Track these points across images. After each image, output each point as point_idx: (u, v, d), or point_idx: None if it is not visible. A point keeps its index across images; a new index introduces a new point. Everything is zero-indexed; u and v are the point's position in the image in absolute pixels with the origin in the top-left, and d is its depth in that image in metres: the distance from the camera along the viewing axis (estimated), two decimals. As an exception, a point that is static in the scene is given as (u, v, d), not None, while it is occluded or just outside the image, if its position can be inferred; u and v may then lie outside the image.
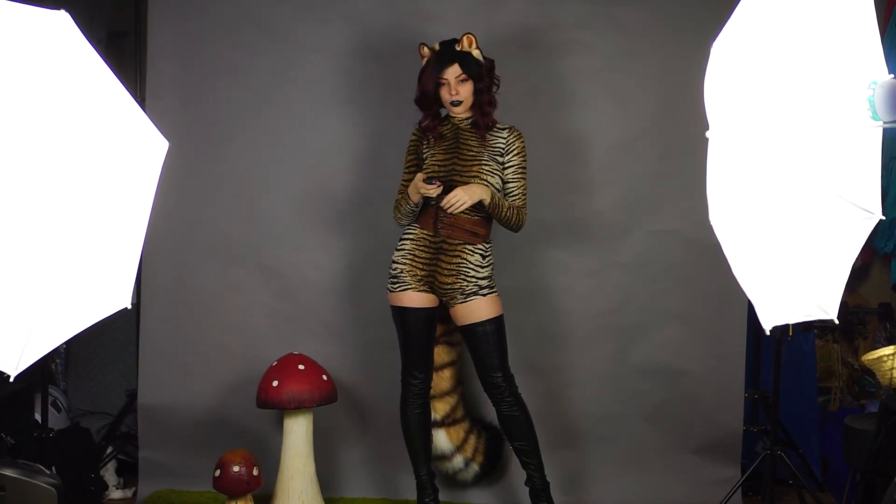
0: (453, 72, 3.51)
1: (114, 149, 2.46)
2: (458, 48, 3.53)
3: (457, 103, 3.54)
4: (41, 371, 3.89)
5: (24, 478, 2.61)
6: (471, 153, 3.56)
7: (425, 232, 3.60)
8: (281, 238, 4.18)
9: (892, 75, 2.13)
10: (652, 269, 4.11)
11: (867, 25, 2.17)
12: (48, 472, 2.69)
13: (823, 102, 2.22)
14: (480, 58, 3.55)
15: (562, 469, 4.05)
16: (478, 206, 3.52)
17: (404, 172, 3.69)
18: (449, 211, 3.49)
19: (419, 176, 3.48)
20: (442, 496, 3.81)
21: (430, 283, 3.59)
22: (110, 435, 4.43)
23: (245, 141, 4.17)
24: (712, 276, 3.90)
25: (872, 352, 4.84)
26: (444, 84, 3.53)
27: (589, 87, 4.08)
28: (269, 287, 4.19)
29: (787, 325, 3.23)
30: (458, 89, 3.51)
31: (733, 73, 2.28)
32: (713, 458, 4.10)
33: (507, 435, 3.68)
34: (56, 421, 4.23)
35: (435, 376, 3.81)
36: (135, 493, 4.21)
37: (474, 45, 3.54)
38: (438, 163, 3.57)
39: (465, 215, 3.55)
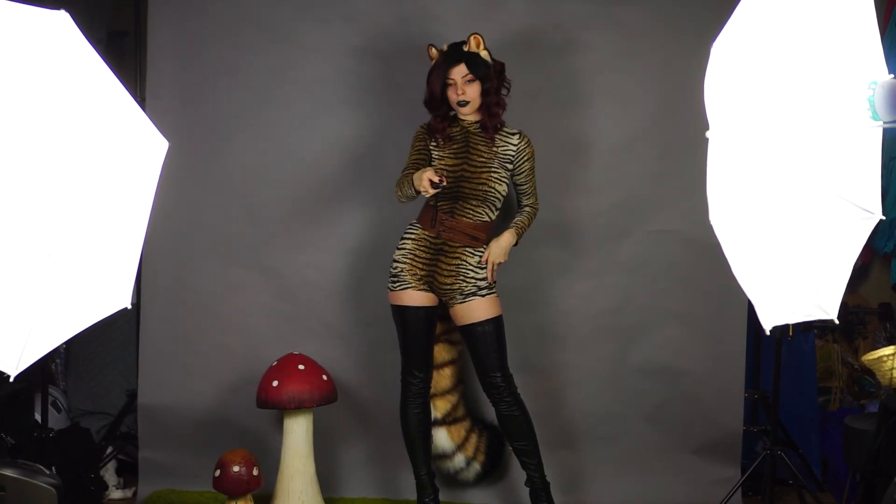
0: (459, 71, 3.50)
1: (114, 149, 2.46)
2: (465, 49, 3.53)
3: (463, 103, 3.53)
4: (41, 371, 3.90)
5: (24, 478, 2.61)
6: (481, 159, 3.56)
7: (426, 232, 3.60)
8: (281, 238, 4.18)
9: (892, 75, 2.13)
10: (652, 269, 4.11)
11: (867, 25, 2.17)
12: (48, 472, 2.69)
13: (823, 102, 2.22)
14: (489, 59, 3.54)
15: (562, 469, 4.05)
16: (480, 213, 3.56)
17: (411, 160, 3.63)
18: (492, 276, 3.58)
19: (430, 170, 3.41)
20: (442, 496, 3.81)
21: (429, 282, 3.59)
22: (110, 435, 4.43)
23: (245, 141, 4.17)
24: (712, 276, 3.90)
25: (872, 352, 4.84)
26: (451, 84, 3.53)
27: (589, 87, 4.08)
28: (269, 287, 4.19)
29: (787, 325, 3.23)
30: (464, 89, 3.51)
31: (733, 73, 2.28)
32: (713, 458, 4.10)
33: (507, 435, 3.69)
34: (56, 421, 4.23)
35: (435, 374, 3.81)
36: (135, 493, 4.21)
37: (482, 46, 3.53)
38: (447, 167, 3.56)
39: (467, 220, 3.56)
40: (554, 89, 4.08)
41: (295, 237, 4.17)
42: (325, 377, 3.85)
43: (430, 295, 3.62)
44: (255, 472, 3.61)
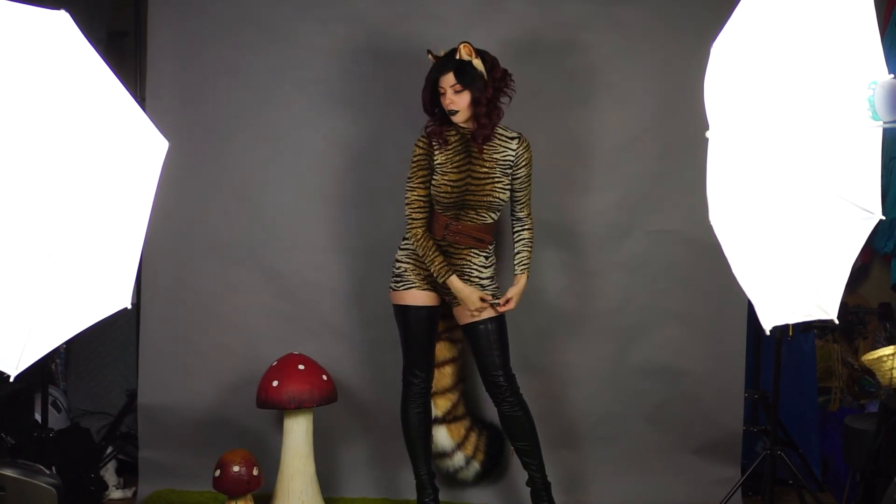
0: (448, 80, 3.47)
1: (114, 149, 2.46)
2: (457, 57, 3.50)
3: (453, 112, 3.50)
4: (41, 371, 3.89)
5: (24, 478, 2.61)
6: (483, 170, 3.55)
7: (430, 235, 3.60)
8: (281, 238, 4.17)
9: (892, 75, 2.13)
10: (652, 269, 4.11)
11: (867, 25, 2.17)
12: (48, 472, 2.69)
13: (823, 102, 2.22)
14: (481, 68, 3.47)
15: (562, 469, 4.05)
16: (484, 216, 3.57)
17: (417, 185, 3.58)
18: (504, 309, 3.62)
19: (480, 296, 3.55)
20: (442, 496, 3.81)
21: (433, 282, 3.60)
22: (110, 435, 4.43)
23: (245, 141, 4.16)
24: (712, 276, 3.90)
25: (872, 352, 4.84)
26: (442, 93, 3.51)
27: (589, 87, 4.08)
28: (269, 287, 4.19)
29: (787, 325, 3.23)
30: (453, 98, 3.47)
31: (733, 73, 2.28)
32: (713, 458, 4.10)
33: (509, 435, 3.69)
34: (56, 421, 4.23)
35: (437, 373, 3.82)
36: (135, 493, 4.21)
37: (474, 55, 3.47)
38: (451, 183, 3.54)
39: (472, 223, 3.57)
40: (554, 89, 4.08)
41: (295, 237, 4.17)
42: (325, 377, 3.85)
43: (433, 294, 3.62)
44: (255, 472, 3.61)
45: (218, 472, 3.59)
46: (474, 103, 3.48)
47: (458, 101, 3.47)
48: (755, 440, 4.33)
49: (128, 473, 4.35)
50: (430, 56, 3.55)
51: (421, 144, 3.60)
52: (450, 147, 3.57)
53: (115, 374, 4.63)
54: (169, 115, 3.97)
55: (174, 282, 4.20)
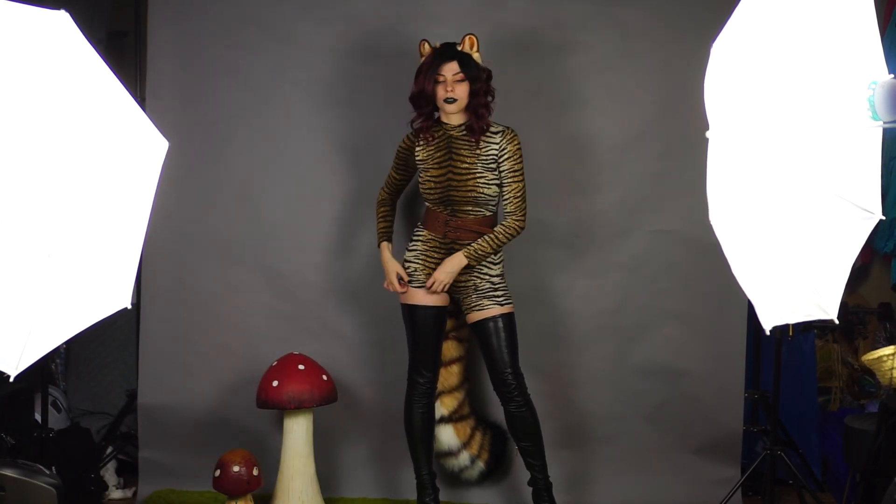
0: (451, 69, 3.49)
1: (114, 149, 2.46)
2: (459, 48, 3.53)
3: (451, 101, 3.50)
4: (41, 371, 3.89)
5: (24, 478, 2.61)
6: (464, 165, 3.55)
7: (433, 234, 3.61)
8: (281, 238, 4.18)
9: (892, 75, 2.13)
10: (652, 269, 4.11)
11: (867, 25, 2.17)
12: (48, 472, 2.69)
13: (823, 102, 2.22)
14: (480, 62, 3.55)
15: (562, 469, 4.05)
16: (479, 211, 3.57)
17: (392, 170, 3.77)
18: (432, 291, 3.58)
19: (399, 270, 3.63)
20: (443, 496, 3.81)
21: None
22: (110, 435, 4.43)
23: (245, 141, 4.17)
24: (712, 276, 3.90)
25: (872, 352, 4.84)
26: (440, 81, 3.52)
27: (589, 87, 4.08)
28: (269, 287, 4.19)
29: (787, 325, 3.23)
30: (453, 87, 3.49)
31: (733, 73, 2.28)
32: (713, 458, 4.10)
33: (514, 435, 3.68)
34: (56, 421, 4.23)
35: (444, 371, 3.82)
36: (135, 493, 4.21)
37: (476, 48, 3.54)
38: (434, 179, 3.57)
39: (470, 216, 3.57)
40: (554, 89, 4.08)
41: (295, 237, 4.18)
42: (325, 377, 3.85)
43: (442, 294, 3.63)
44: (255, 472, 3.61)
45: (218, 472, 3.60)
46: (473, 94, 3.51)
47: (458, 91, 3.50)
48: (755, 440, 4.33)
49: (128, 473, 4.35)
50: (424, 46, 3.57)
51: (406, 140, 3.68)
52: (431, 144, 3.58)
53: (115, 374, 4.63)
54: (169, 115, 3.97)
55: (174, 282, 4.20)
